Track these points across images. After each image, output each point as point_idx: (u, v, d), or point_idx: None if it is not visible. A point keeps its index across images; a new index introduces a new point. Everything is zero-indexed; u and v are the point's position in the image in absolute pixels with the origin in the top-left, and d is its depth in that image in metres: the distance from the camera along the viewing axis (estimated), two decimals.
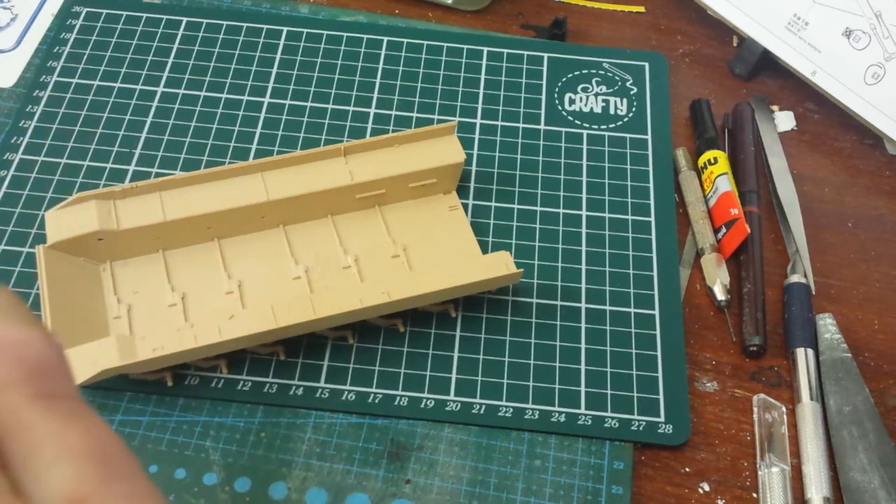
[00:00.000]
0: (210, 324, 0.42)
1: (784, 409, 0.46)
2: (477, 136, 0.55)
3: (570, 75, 0.58)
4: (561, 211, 0.52)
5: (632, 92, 0.58)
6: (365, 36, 0.59)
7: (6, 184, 0.51)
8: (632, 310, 0.48)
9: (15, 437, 0.18)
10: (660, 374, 0.46)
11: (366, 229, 0.49)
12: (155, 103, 0.55)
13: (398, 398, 0.45)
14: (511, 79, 0.58)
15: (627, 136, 0.55)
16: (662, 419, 0.45)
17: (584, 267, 0.50)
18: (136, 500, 0.18)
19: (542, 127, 0.55)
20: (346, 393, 0.45)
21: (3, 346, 0.19)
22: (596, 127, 0.56)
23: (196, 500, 0.41)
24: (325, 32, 0.59)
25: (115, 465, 0.18)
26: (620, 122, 0.56)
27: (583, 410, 0.45)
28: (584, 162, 0.54)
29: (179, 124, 0.54)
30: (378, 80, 0.57)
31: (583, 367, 0.46)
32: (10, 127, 0.53)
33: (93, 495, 0.17)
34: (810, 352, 0.47)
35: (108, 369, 0.40)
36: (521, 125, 0.55)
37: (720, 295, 0.49)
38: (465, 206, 0.51)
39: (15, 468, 0.18)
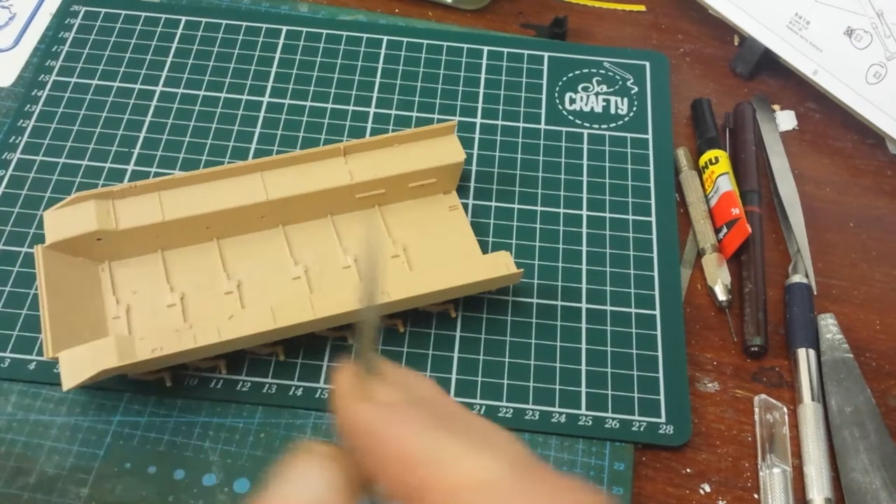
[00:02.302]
0: (209, 324, 0.42)
1: (785, 409, 0.46)
2: (477, 136, 0.54)
3: (570, 75, 0.58)
4: (561, 211, 0.52)
5: (632, 91, 0.58)
6: (365, 35, 0.59)
7: (4, 183, 0.51)
8: (632, 310, 0.48)
9: None
10: (661, 375, 0.46)
11: (366, 229, 0.49)
12: (154, 103, 0.55)
13: None
14: (511, 78, 0.57)
15: (628, 135, 0.55)
16: (663, 420, 0.45)
17: (584, 267, 0.49)
18: None
19: (542, 126, 0.55)
20: None
21: None
22: (596, 126, 0.56)
23: (195, 500, 0.41)
24: (325, 32, 0.59)
25: None
26: (621, 122, 0.56)
27: (583, 411, 0.45)
28: (585, 162, 0.54)
29: (178, 124, 0.54)
30: (378, 80, 0.57)
31: (583, 367, 0.46)
32: (9, 126, 0.53)
33: None
34: (812, 352, 0.47)
35: (107, 369, 0.40)
36: (521, 125, 0.55)
37: (721, 295, 0.49)
38: (465, 206, 0.51)
39: None
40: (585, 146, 0.55)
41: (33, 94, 0.55)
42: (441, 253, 0.48)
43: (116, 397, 0.44)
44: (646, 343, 0.47)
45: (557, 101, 0.57)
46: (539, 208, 0.52)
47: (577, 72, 0.58)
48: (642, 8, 0.64)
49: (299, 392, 0.44)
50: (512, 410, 0.44)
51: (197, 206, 0.46)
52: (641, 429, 0.44)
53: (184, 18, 0.59)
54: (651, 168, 0.54)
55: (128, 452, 0.42)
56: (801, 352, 0.47)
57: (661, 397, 0.45)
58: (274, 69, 0.57)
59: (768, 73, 0.60)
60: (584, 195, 0.52)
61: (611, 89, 0.58)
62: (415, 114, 0.55)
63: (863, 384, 0.46)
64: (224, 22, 0.59)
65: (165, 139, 0.53)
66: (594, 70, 0.58)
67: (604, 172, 0.53)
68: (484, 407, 0.44)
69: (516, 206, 0.52)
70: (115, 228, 0.45)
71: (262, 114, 0.55)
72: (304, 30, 0.59)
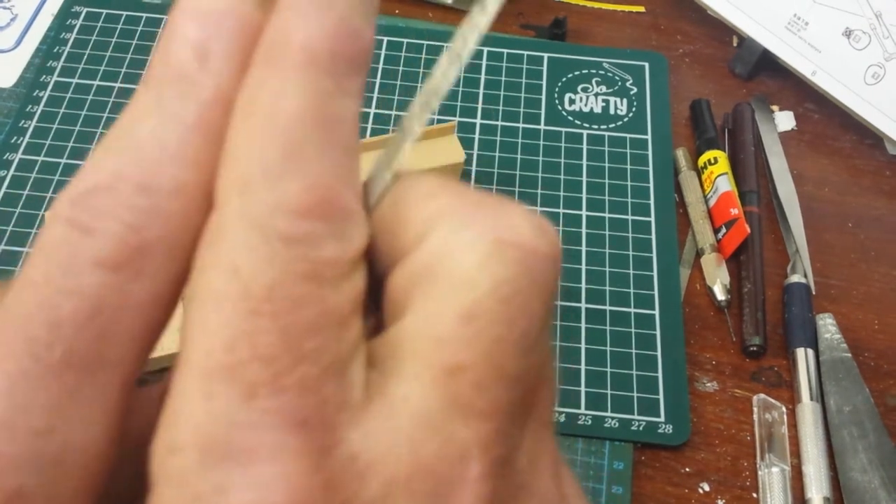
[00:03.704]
0: None
1: (784, 409, 0.46)
2: (477, 136, 0.55)
3: (570, 75, 0.58)
4: (561, 211, 0.52)
5: (632, 92, 0.58)
6: None
7: (6, 184, 0.51)
8: (632, 310, 0.48)
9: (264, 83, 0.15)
10: (660, 374, 0.46)
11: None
12: None
13: None
14: (511, 79, 0.58)
15: (627, 136, 0.55)
16: (662, 419, 0.45)
17: (584, 267, 0.50)
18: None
19: (542, 127, 0.55)
20: None
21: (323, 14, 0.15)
22: (596, 127, 0.56)
23: None
24: None
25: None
26: (620, 122, 0.56)
27: (583, 410, 0.45)
28: (584, 162, 0.54)
29: None
30: (378, 81, 0.57)
31: (583, 366, 0.46)
32: (10, 127, 0.53)
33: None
34: (810, 352, 0.47)
35: None
36: (521, 125, 0.55)
37: (720, 295, 0.49)
38: None
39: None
40: (585, 147, 0.55)
41: (35, 94, 0.55)
42: None
43: None
44: (645, 343, 0.47)
45: (557, 101, 0.57)
46: (538, 208, 0.52)
47: (576, 72, 0.58)
48: (641, 9, 0.64)
49: None
50: None
51: None
52: (641, 428, 0.44)
53: None
54: (650, 168, 0.54)
55: None
56: (800, 351, 0.47)
57: (661, 397, 0.45)
58: None
59: (767, 73, 0.61)
60: (584, 195, 0.52)
61: (610, 90, 0.58)
62: None
63: (861, 384, 0.47)
64: None
65: None
66: (593, 71, 0.59)
67: (603, 173, 0.54)
68: None
69: None
70: None
71: None
72: None
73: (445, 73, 0.17)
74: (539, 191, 0.52)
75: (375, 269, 0.16)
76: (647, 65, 0.59)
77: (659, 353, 0.47)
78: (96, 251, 0.14)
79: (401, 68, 0.57)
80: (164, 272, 0.14)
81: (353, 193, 0.15)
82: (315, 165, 0.14)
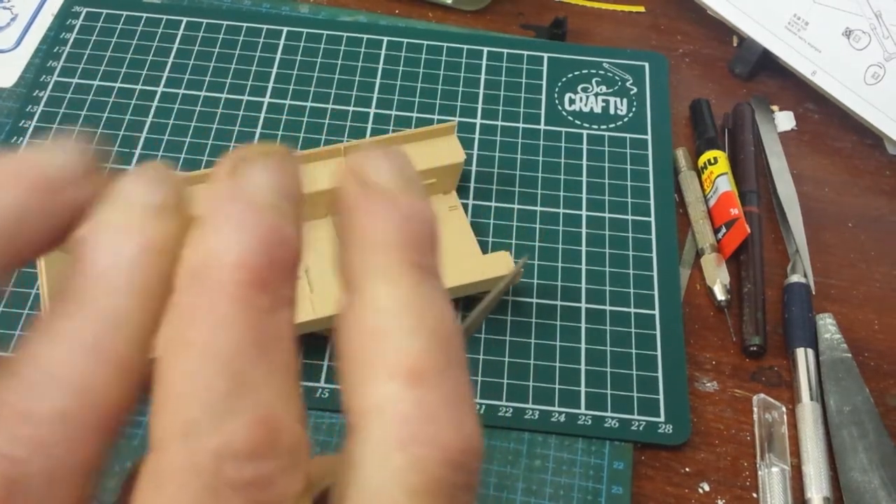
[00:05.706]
0: None
1: (784, 409, 0.46)
2: (477, 136, 0.55)
3: (570, 75, 0.58)
4: (561, 211, 0.52)
5: (632, 92, 0.58)
6: (365, 36, 0.59)
7: None
8: (632, 310, 0.48)
9: (379, 294, 0.16)
10: (660, 374, 0.46)
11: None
12: (155, 103, 0.55)
13: None
14: (511, 79, 0.58)
15: (627, 136, 0.55)
16: (662, 419, 0.45)
17: (584, 267, 0.50)
18: (461, 392, 0.15)
19: (542, 127, 0.55)
20: None
21: (394, 209, 0.17)
22: (596, 127, 0.56)
23: None
24: (325, 32, 0.59)
25: (455, 354, 0.16)
26: (620, 122, 0.56)
27: (583, 410, 0.45)
28: (584, 162, 0.54)
29: (179, 124, 0.54)
30: (378, 80, 0.57)
31: (583, 366, 0.46)
32: (10, 127, 0.53)
33: (430, 373, 0.15)
34: (810, 352, 0.47)
35: None
36: (521, 125, 0.55)
37: (720, 295, 0.49)
38: (465, 206, 0.51)
39: (361, 323, 0.17)
40: (585, 147, 0.55)
41: (35, 94, 0.55)
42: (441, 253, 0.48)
43: None
44: (645, 343, 0.47)
45: (557, 101, 0.57)
46: (539, 208, 0.52)
47: (576, 72, 0.58)
48: (641, 9, 0.64)
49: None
50: (512, 410, 0.45)
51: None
52: (641, 428, 0.44)
53: (185, 19, 0.59)
54: (650, 168, 0.54)
55: (129, 452, 0.43)
56: (800, 351, 0.47)
57: (661, 397, 0.45)
58: (275, 70, 0.57)
59: (767, 73, 0.61)
60: (584, 195, 0.52)
61: (610, 90, 0.58)
62: (415, 114, 0.55)
63: (861, 384, 0.47)
64: (225, 23, 0.59)
65: (167, 140, 0.53)
66: (593, 71, 0.59)
67: (603, 173, 0.54)
68: (484, 406, 0.45)
69: (516, 206, 0.52)
70: None
71: (262, 114, 0.55)
72: (305, 30, 0.59)
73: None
74: (539, 191, 0.52)
75: None
76: (647, 65, 0.59)
77: (659, 353, 0.47)
78: None
79: (401, 68, 0.57)
80: None
81: (298, 415, 0.14)
82: (260, 396, 0.14)
